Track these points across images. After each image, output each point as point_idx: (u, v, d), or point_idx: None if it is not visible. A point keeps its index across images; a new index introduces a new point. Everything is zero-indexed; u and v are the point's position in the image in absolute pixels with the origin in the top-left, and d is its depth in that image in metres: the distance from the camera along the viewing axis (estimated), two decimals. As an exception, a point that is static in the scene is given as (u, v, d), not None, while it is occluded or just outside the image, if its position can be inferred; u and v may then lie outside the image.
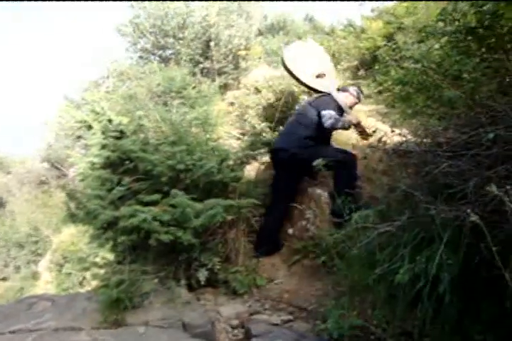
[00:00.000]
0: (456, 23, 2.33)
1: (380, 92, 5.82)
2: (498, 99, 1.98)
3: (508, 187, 1.43)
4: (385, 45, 5.35)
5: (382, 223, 2.15)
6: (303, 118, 3.99)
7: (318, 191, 4.00)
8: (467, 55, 2.18)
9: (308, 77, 4.24)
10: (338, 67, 6.63)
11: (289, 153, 3.82)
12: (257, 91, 6.03)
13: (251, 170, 4.86)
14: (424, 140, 2.51)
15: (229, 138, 5.62)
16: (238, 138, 5.62)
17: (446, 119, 2.38)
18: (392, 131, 2.96)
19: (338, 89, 4.25)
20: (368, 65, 6.77)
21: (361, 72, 7.04)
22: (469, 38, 2.24)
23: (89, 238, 3.65)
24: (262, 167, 4.84)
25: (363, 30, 7.60)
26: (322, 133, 3.94)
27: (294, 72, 4.25)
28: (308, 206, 3.94)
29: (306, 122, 3.93)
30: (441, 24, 2.47)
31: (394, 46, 4.20)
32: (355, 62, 7.13)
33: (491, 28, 2.13)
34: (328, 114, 3.73)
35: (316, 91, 4.30)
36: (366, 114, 5.43)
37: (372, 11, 7.41)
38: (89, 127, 4.17)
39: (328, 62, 4.52)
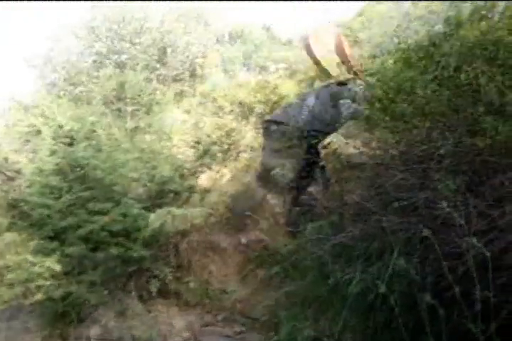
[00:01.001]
0: (409, 40, 2.40)
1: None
2: (448, 116, 2.05)
3: (458, 202, 1.47)
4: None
5: (335, 234, 2.17)
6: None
7: (273, 201, 4.00)
8: (420, 72, 2.25)
9: (331, 65, 4.32)
10: (294, 78, 6.69)
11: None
12: (213, 99, 6.01)
13: (205, 179, 4.81)
14: (377, 152, 2.56)
15: (184, 146, 5.54)
16: (193, 147, 5.55)
17: (398, 133, 2.44)
18: (347, 143, 3.01)
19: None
20: (324, 76, 6.86)
21: (317, 84, 7.12)
22: (421, 55, 2.31)
23: (35, 247, 3.48)
24: (217, 176, 4.80)
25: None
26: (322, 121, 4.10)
27: (319, 58, 4.31)
28: (263, 216, 3.93)
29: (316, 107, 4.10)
30: (395, 40, 2.55)
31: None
32: (312, 74, 7.21)
33: (441, 47, 2.22)
34: (348, 104, 3.90)
35: (334, 78, 4.39)
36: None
37: (329, 23, 7.54)
38: (39, 132, 4.01)
39: (349, 50, 4.59)
